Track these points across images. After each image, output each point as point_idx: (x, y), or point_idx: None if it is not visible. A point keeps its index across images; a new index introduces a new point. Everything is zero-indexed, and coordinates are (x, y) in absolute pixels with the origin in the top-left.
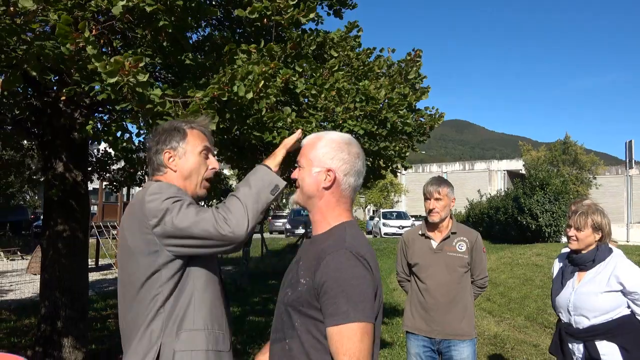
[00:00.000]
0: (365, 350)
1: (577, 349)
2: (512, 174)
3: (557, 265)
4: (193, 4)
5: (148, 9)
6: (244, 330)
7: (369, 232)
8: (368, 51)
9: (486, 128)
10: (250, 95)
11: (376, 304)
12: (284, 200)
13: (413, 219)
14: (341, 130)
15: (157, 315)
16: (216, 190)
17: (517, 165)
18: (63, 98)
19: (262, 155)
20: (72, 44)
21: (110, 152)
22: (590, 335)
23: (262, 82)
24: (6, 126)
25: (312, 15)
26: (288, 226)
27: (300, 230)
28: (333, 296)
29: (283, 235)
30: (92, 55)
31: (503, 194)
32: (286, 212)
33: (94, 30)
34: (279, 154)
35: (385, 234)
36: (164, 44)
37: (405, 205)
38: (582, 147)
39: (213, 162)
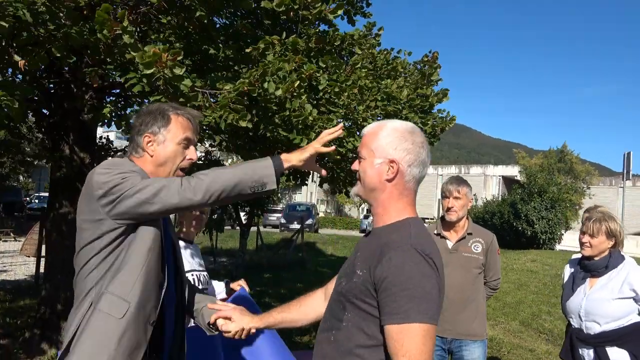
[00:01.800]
0: (426, 353)
1: (588, 354)
2: (507, 180)
3: (567, 271)
4: None
5: None
6: None
7: (364, 231)
8: (386, 52)
9: (482, 133)
10: (279, 92)
11: (440, 305)
12: (279, 195)
13: None
14: (360, 129)
15: (92, 272)
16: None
17: (513, 171)
18: (95, 85)
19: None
20: (110, 31)
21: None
22: (601, 341)
23: (298, 82)
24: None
25: (339, 12)
26: (283, 221)
27: (296, 226)
28: (394, 293)
29: (277, 230)
30: (129, 44)
31: (500, 199)
32: (280, 206)
33: (129, 18)
34: (308, 151)
35: None
36: (191, 31)
37: None
38: (577, 157)
39: (191, 153)
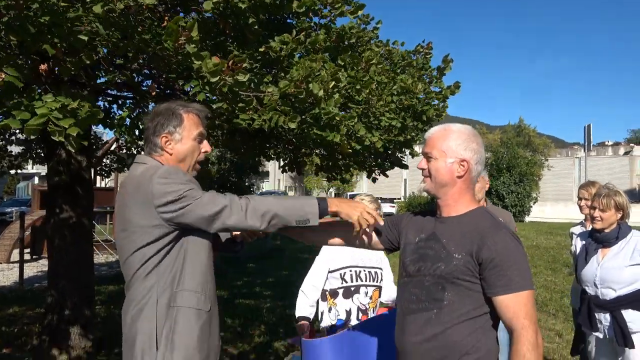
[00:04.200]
0: (535, 313)
1: (605, 318)
2: None
3: (579, 243)
4: (277, 1)
5: (242, 5)
6: (239, 314)
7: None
8: (380, 44)
9: None
10: (321, 93)
11: None
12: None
13: (379, 201)
14: (379, 124)
15: (151, 272)
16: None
17: None
18: (153, 94)
19: (273, 143)
20: (175, 41)
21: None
22: (617, 305)
23: (333, 82)
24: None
25: (359, 13)
26: None
27: None
28: (505, 269)
29: None
30: (192, 54)
31: None
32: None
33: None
34: (355, 208)
35: None
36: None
37: (367, 187)
38: (534, 130)
39: (206, 146)
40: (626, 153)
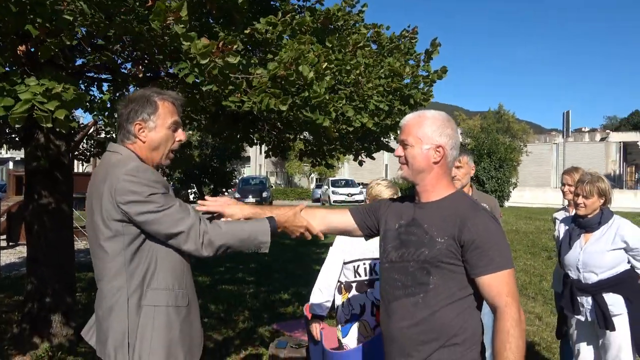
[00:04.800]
0: (517, 290)
1: (586, 301)
2: None
3: (562, 228)
4: None
5: None
6: (222, 300)
7: (317, 200)
8: (369, 26)
9: None
10: (312, 75)
11: None
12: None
13: (361, 186)
14: (367, 107)
15: (118, 273)
16: (179, 160)
17: None
18: (140, 76)
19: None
20: (163, 21)
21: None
22: (598, 289)
23: (325, 64)
24: None
25: None
26: (237, 195)
27: (251, 199)
28: (486, 249)
29: None
30: (181, 34)
31: None
32: (234, 181)
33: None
34: (287, 230)
35: (335, 201)
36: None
37: (348, 172)
38: (513, 116)
39: (180, 135)
40: (602, 139)
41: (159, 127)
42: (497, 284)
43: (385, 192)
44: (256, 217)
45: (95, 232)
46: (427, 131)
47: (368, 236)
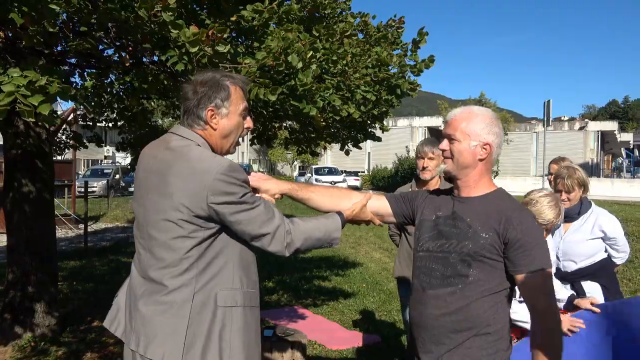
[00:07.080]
0: (553, 288)
1: (565, 289)
2: (433, 131)
3: None
4: None
5: None
6: None
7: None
8: (357, 15)
9: None
10: (300, 65)
11: None
12: None
13: (344, 174)
14: (353, 96)
15: (187, 270)
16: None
17: (437, 122)
18: (127, 65)
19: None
20: (150, 8)
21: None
22: (577, 277)
23: (311, 52)
24: None
25: None
26: None
27: None
28: (530, 249)
29: None
30: (169, 22)
31: None
32: None
33: None
34: (361, 215)
35: None
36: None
37: (330, 160)
38: (495, 105)
39: (249, 122)
40: (581, 128)
41: (231, 114)
42: (537, 282)
43: (549, 214)
44: (292, 193)
45: (167, 223)
46: (476, 128)
47: (401, 223)
